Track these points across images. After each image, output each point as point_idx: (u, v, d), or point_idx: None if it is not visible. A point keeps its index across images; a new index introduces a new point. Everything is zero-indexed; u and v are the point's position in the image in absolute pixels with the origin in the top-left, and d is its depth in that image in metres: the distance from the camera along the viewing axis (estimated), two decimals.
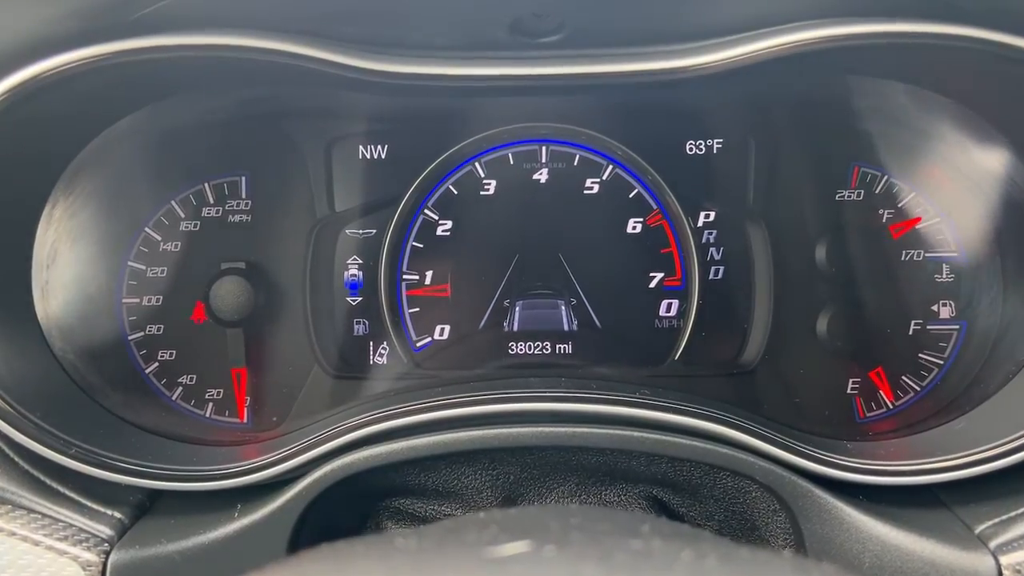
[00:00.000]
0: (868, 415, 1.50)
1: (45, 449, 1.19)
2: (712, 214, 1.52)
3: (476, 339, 1.54)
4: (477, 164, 1.53)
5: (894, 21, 1.12)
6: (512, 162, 1.53)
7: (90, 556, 1.14)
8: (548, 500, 1.33)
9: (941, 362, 1.49)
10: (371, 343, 1.54)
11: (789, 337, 1.51)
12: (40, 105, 1.15)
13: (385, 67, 1.19)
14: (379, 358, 1.54)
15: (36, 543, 1.14)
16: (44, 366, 1.33)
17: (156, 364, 1.51)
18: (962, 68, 1.23)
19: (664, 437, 1.22)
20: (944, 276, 1.49)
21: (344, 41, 1.18)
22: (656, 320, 1.53)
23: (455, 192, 1.53)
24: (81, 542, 1.16)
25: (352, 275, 1.54)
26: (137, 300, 1.51)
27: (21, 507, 1.18)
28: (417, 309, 1.54)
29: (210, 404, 1.52)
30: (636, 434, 1.22)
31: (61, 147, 1.33)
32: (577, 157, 1.53)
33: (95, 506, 1.21)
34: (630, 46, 1.21)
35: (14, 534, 1.14)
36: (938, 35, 1.11)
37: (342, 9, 1.13)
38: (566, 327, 1.53)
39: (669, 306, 1.53)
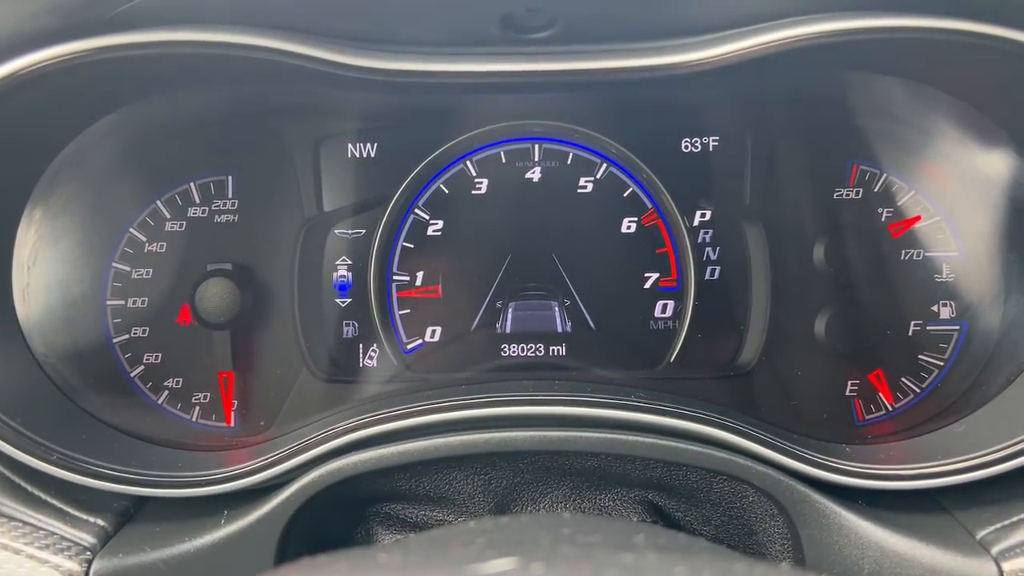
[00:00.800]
0: (867, 418, 1.48)
1: (26, 455, 1.18)
2: (708, 213, 1.50)
3: (468, 341, 1.52)
4: (468, 163, 1.50)
5: (893, 16, 1.10)
6: (504, 161, 1.51)
7: (72, 565, 1.13)
8: (542, 505, 1.31)
9: (941, 363, 1.47)
10: (361, 345, 1.52)
11: (787, 338, 1.49)
12: (18, 103, 1.14)
13: (374, 64, 1.17)
14: (369, 360, 1.52)
15: (16, 551, 1.12)
16: (25, 370, 1.31)
17: (141, 367, 1.49)
18: (962, 63, 1.22)
19: (659, 441, 1.21)
20: (944, 276, 1.47)
21: (332, 37, 1.16)
22: (651, 321, 1.51)
23: (446, 191, 1.51)
24: (63, 550, 1.14)
25: (341, 276, 1.51)
26: (122, 302, 1.49)
27: (1, 515, 1.17)
28: (408, 311, 1.52)
29: (196, 408, 1.50)
30: (631, 438, 1.21)
31: (41, 146, 1.31)
32: (570, 155, 1.51)
33: (77, 513, 1.20)
34: (624, 42, 1.19)
35: None
36: (938, 30, 1.10)
37: (329, 4, 1.11)
38: (560, 329, 1.51)
39: (664, 307, 1.51)
